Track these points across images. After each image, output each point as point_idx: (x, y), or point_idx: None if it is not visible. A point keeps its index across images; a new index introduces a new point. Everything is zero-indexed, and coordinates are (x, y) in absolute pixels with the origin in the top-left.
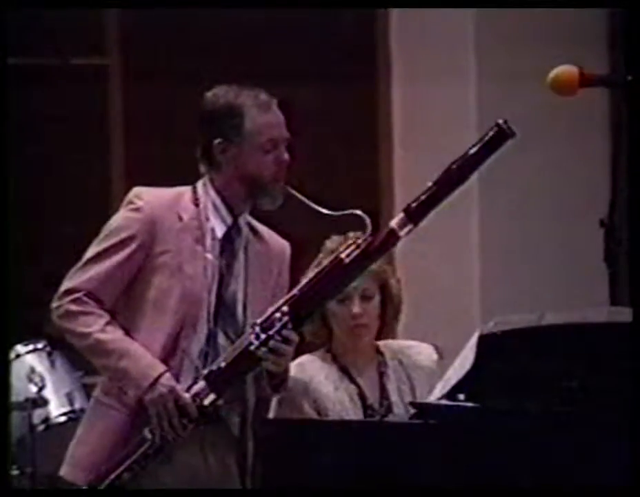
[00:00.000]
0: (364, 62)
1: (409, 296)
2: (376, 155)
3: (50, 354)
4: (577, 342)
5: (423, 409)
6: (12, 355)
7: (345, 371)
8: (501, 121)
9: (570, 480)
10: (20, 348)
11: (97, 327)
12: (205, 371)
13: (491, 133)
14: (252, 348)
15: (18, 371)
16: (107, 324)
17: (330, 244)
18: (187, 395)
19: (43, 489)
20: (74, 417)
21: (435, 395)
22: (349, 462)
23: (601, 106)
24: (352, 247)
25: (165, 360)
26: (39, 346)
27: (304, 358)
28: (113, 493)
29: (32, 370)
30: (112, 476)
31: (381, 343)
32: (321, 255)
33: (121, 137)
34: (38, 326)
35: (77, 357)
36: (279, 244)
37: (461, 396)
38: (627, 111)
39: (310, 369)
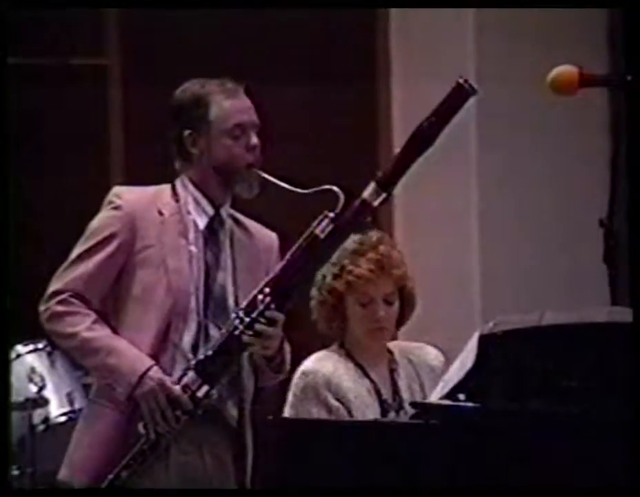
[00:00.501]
0: (364, 62)
1: None
2: (376, 155)
3: (50, 354)
4: (577, 342)
5: (423, 409)
6: (13, 355)
7: (360, 367)
8: (461, 80)
9: (570, 480)
10: (20, 348)
11: (83, 326)
12: (194, 361)
13: (451, 92)
14: (236, 333)
15: (18, 370)
16: (94, 322)
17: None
18: (177, 387)
19: (43, 489)
20: (74, 418)
21: (436, 395)
22: (349, 462)
23: (601, 106)
24: (326, 222)
25: (156, 355)
26: (39, 346)
27: (322, 353)
28: (113, 493)
29: (33, 370)
30: (111, 476)
31: (389, 344)
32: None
33: (121, 137)
34: (38, 326)
35: None
36: (266, 235)
37: (462, 396)
38: (627, 111)
39: (330, 363)
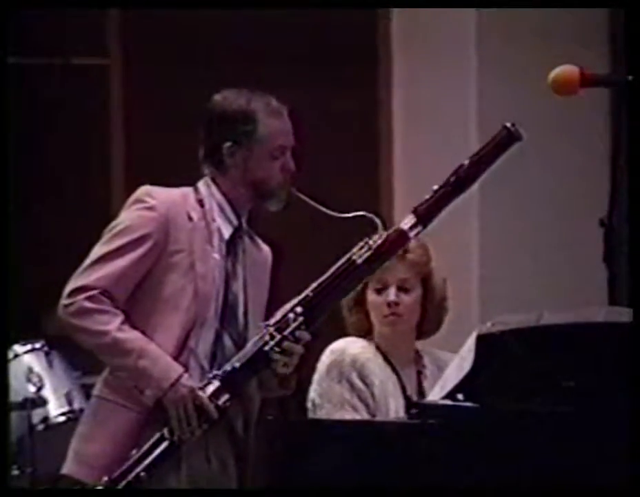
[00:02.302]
0: (365, 63)
1: None
2: (376, 156)
3: (47, 354)
4: (575, 342)
5: (423, 409)
6: (10, 355)
7: (388, 362)
8: (509, 124)
9: (569, 480)
10: (18, 348)
11: (114, 325)
12: (220, 371)
13: (499, 136)
14: (266, 348)
15: (16, 370)
16: (123, 323)
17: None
18: (205, 396)
19: (43, 489)
20: (73, 418)
21: (435, 395)
22: (349, 462)
23: (601, 106)
24: (364, 248)
25: (173, 359)
26: (37, 345)
27: (351, 338)
28: (112, 493)
29: (30, 370)
30: (130, 476)
31: (420, 347)
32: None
33: (121, 136)
34: (37, 325)
35: (76, 357)
36: (265, 248)
37: (461, 396)
38: (628, 111)
39: (359, 344)
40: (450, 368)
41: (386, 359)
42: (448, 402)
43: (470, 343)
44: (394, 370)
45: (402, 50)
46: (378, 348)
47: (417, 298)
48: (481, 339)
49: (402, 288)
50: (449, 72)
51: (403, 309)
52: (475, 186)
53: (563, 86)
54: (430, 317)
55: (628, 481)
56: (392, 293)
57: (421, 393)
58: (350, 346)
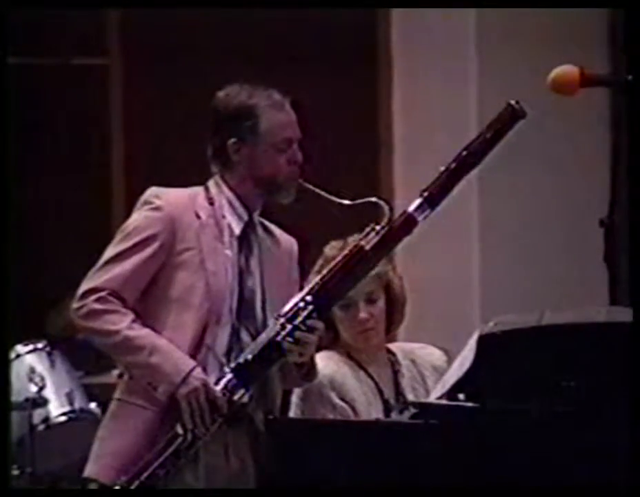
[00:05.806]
0: (365, 62)
1: (409, 299)
2: (376, 155)
3: (49, 354)
4: (577, 342)
5: (423, 409)
6: (12, 355)
7: (361, 367)
8: (512, 102)
9: (570, 480)
10: (20, 348)
11: (124, 324)
12: (233, 364)
13: (504, 114)
14: (278, 339)
15: (18, 370)
16: (133, 321)
17: (328, 250)
18: (217, 389)
19: (43, 488)
20: (74, 417)
21: (435, 395)
22: (349, 462)
23: (601, 106)
24: (372, 234)
25: (190, 356)
26: (39, 346)
27: (324, 353)
28: (115, 493)
29: (32, 370)
30: (146, 474)
31: (391, 345)
32: (320, 262)
33: (121, 137)
34: (39, 326)
35: (77, 357)
36: (288, 239)
37: (461, 396)
38: (628, 111)
39: (333, 362)
40: (451, 369)
41: (361, 366)
42: (448, 402)
43: (472, 343)
44: (370, 376)
45: (402, 50)
46: (351, 357)
47: (383, 305)
48: (482, 339)
49: (369, 301)
50: (449, 72)
51: (374, 322)
52: (475, 188)
53: (563, 86)
54: (395, 317)
55: (628, 481)
56: (362, 310)
57: (400, 393)
58: (325, 366)
